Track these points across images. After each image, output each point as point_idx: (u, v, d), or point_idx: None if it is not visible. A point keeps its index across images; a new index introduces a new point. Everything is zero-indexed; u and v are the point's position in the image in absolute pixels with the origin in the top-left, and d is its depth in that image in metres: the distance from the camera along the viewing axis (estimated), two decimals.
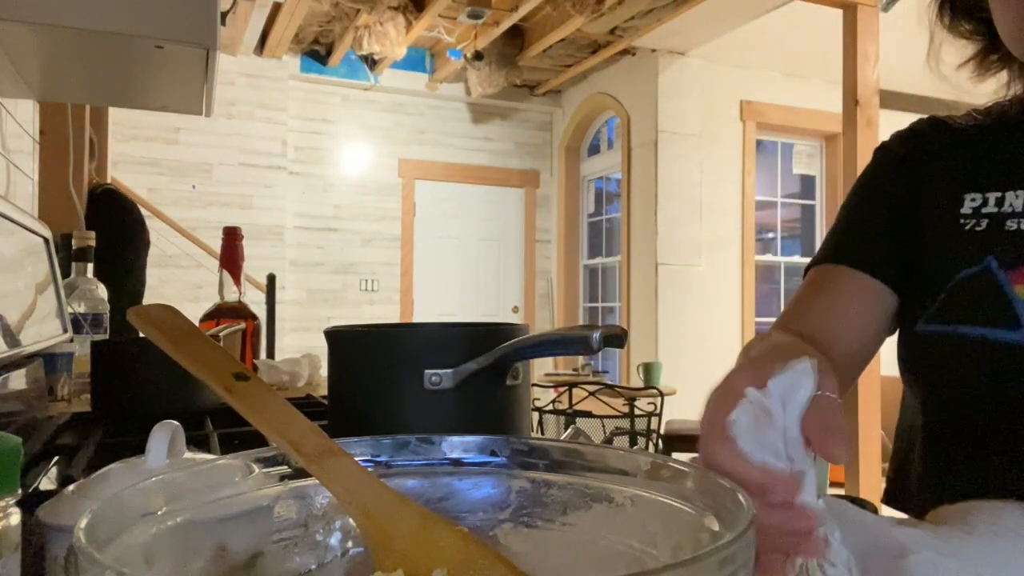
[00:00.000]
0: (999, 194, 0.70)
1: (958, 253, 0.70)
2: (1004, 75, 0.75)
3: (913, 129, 0.81)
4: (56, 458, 0.79)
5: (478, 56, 5.16)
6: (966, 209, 0.72)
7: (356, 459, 0.35)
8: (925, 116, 0.82)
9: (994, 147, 0.74)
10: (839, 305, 0.75)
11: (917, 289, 0.74)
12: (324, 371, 0.78)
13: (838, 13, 3.92)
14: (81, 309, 1.58)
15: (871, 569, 0.38)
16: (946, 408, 0.72)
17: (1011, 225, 0.68)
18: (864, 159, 2.30)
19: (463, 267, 6.30)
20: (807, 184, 6.00)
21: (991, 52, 0.75)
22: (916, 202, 0.76)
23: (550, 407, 3.69)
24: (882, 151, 0.82)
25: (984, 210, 0.71)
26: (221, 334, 1.21)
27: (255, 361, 1.44)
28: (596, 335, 0.57)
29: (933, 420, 0.73)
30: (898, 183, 0.78)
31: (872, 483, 3.67)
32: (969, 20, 0.72)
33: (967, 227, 0.71)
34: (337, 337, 0.71)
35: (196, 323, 0.54)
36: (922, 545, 0.39)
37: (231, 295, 1.37)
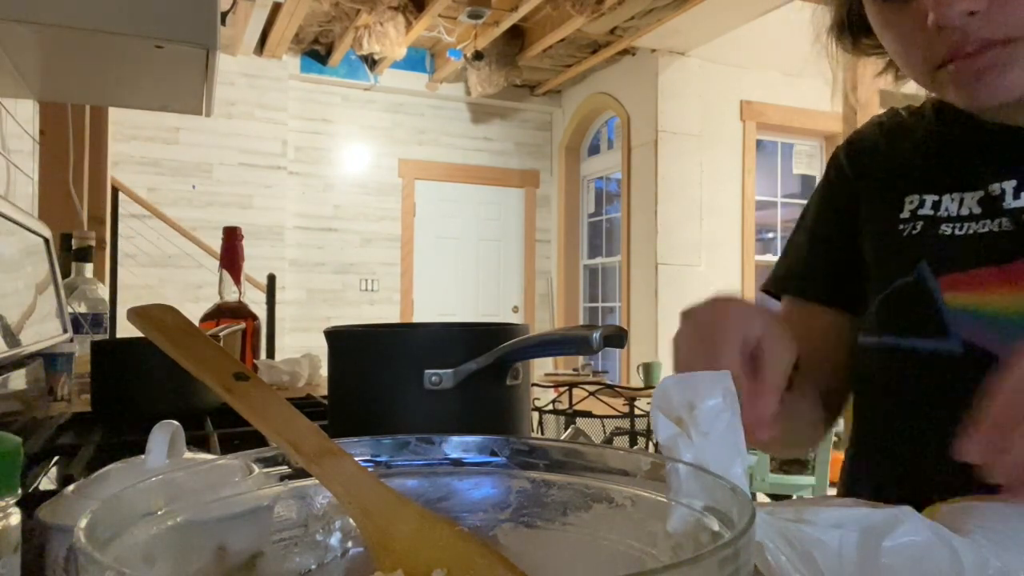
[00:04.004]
0: (936, 197, 0.68)
1: (894, 260, 0.69)
2: None
3: (861, 132, 0.80)
4: (56, 458, 0.79)
5: (478, 56, 5.16)
6: (904, 213, 0.70)
7: (356, 459, 0.35)
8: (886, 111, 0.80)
9: (938, 145, 0.71)
10: (815, 345, 0.75)
11: (865, 301, 0.73)
12: (324, 371, 0.78)
13: None
14: (81, 309, 1.58)
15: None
16: (881, 419, 0.71)
17: (945, 230, 0.66)
18: None
19: (463, 267, 6.30)
20: (807, 184, 6.00)
21: None
22: (861, 212, 0.75)
23: (550, 407, 3.69)
24: (833, 160, 0.81)
25: (920, 212, 0.69)
26: (221, 334, 1.21)
27: (255, 361, 1.44)
28: (596, 335, 0.57)
29: (870, 431, 0.73)
30: (849, 195, 0.77)
31: None
32: (869, 35, 0.69)
33: (904, 232, 0.69)
34: (337, 337, 0.71)
35: (196, 323, 0.54)
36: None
37: (231, 295, 1.37)
